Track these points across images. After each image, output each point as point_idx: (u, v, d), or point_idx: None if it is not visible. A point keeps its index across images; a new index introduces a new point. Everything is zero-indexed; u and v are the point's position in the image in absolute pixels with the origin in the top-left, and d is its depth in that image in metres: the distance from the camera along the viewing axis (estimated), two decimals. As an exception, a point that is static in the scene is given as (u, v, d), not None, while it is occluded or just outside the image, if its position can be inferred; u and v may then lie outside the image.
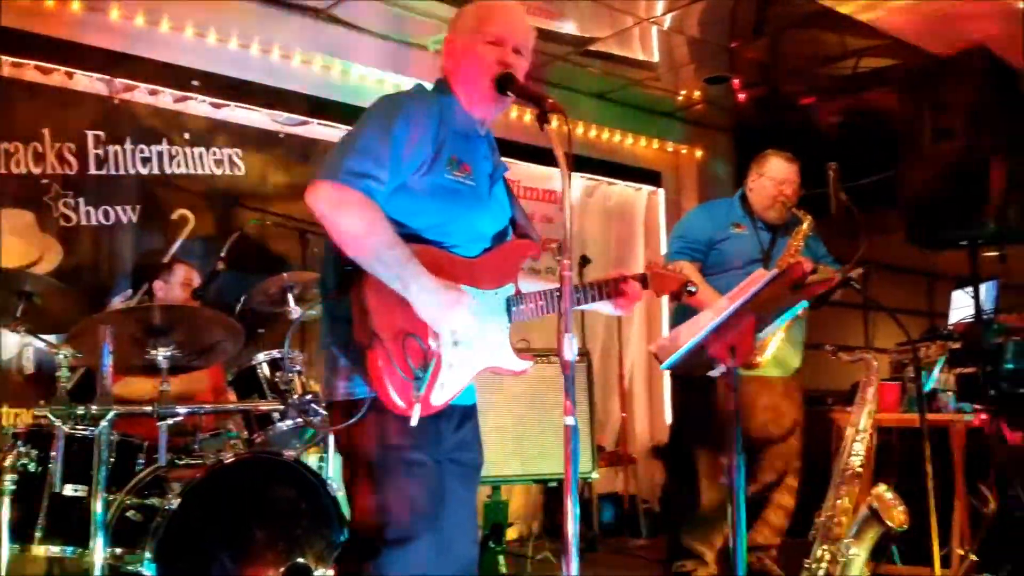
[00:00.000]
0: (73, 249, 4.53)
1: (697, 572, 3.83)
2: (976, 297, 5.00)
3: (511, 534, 5.26)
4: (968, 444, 4.30)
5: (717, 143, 7.57)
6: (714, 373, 2.53)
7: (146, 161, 4.80)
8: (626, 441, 6.37)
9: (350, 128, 2.19)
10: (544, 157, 5.99)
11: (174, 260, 4.50)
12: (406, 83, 5.32)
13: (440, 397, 2.09)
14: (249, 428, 3.54)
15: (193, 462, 3.30)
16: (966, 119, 5.04)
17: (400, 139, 2.08)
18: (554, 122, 2.05)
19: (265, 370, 3.58)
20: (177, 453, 3.37)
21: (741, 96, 6.78)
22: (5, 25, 4.32)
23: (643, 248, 7.12)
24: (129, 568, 2.92)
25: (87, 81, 4.69)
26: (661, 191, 7.32)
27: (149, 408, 3.12)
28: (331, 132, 5.35)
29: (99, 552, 2.86)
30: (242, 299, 3.99)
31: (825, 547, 3.16)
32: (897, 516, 3.04)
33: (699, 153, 7.50)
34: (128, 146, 4.75)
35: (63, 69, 4.61)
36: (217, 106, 5.08)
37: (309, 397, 3.37)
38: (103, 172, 4.65)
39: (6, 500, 2.95)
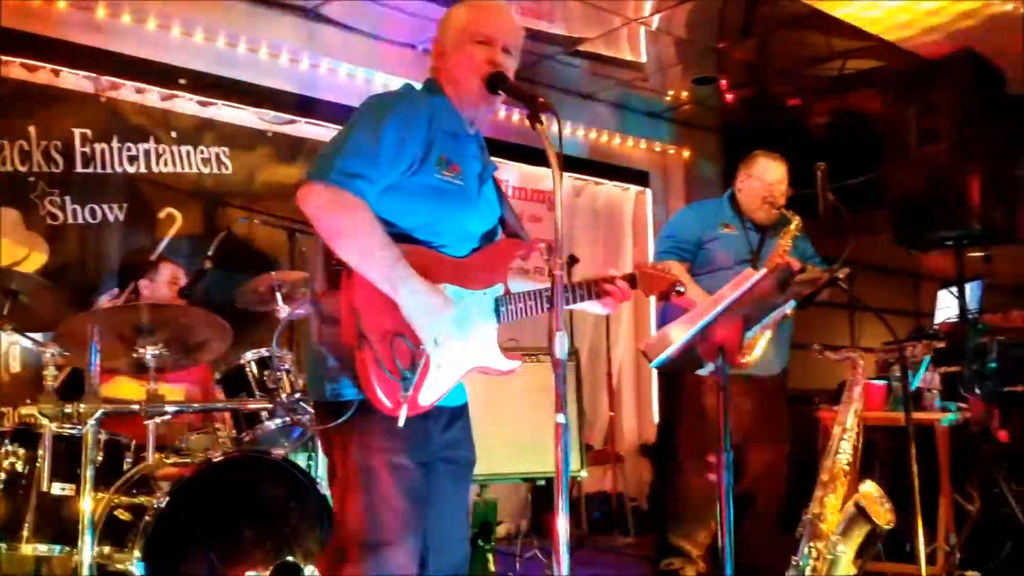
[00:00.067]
0: (59, 247, 4.51)
1: (685, 570, 3.85)
2: (961, 297, 5.05)
3: (499, 532, 5.26)
4: (953, 443, 4.33)
5: (705, 143, 7.60)
6: (702, 372, 2.54)
7: (133, 159, 4.79)
8: (614, 440, 6.38)
9: (337, 127, 2.19)
10: (533, 157, 6.02)
11: (160, 259, 4.49)
12: (394, 82, 5.35)
13: (428, 398, 2.09)
14: (238, 427, 3.53)
15: (181, 461, 3.28)
16: (952, 121, 5.08)
17: (390, 139, 2.08)
18: (547, 123, 2.05)
19: (253, 369, 3.57)
20: (165, 452, 3.36)
21: (729, 97, 6.81)
22: (-9, 23, 4.31)
23: (631, 248, 7.15)
24: (118, 567, 2.91)
25: (73, 79, 4.67)
26: (649, 191, 7.34)
27: (137, 406, 3.11)
28: (318, 131, 5.35)
29: (87, 551, 2.85)
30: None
31: (812, 544, 3.18)
32: (884, 514, 3.07)
33: (687, 153, 7.53)
34: (115, 144, 4.73)
35: (49, 67, 4.58)
36: (204, 104, 5.07)
37: (298, 396, 3.37)
38: (90, 170, 4.63)
39: (-7, 499, 2.94)
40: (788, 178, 3.98)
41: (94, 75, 4.70)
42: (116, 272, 4.65)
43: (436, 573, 2.16)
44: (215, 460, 3.12)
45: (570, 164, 6.61)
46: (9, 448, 3.07)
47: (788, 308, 3.32)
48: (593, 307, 2.44)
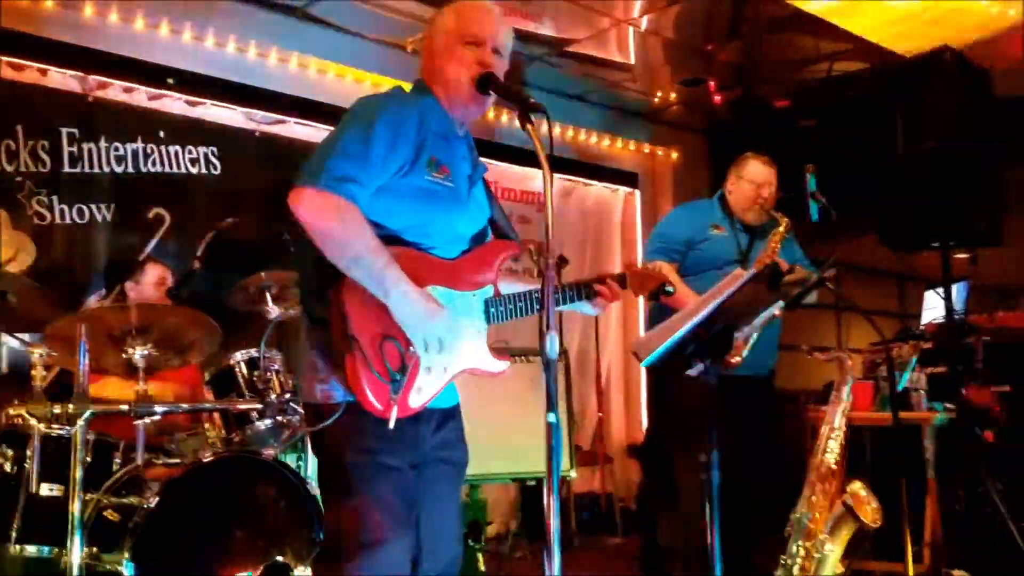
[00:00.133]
0: (47, 248, 4.49)
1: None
2: (947, 298, 5.08)
3: (489, 532, 5.27)
4: (939, 442, 4.37)
5: (693, 145, 7.62)
6: (692, 372, 2.55)
7: (121, 159, 4.77)
8: (602, 441, 6.40)
9: (327, 127, 2.20)
10: (522, 157, 6.04)
11: (146, 260, 4.47)
12: (383, 83, 5.35)
13: (418, 400, 2.09)
14: (227, 427, 3.52)
15: (171, 461, 3.28)
16: (938, 122, 5.11)
17: (381, 142, 2.08)
18: (537, 124, 2.05)
19: (243, 369, 3.56)
20: (154, 452, 3.35)
21: (717, 98, 6.84)
22: (-22, 22, 4.29)
23: (619, 249, 7.16)
24: (107, 567, 2.90)
25: (61, 78, 4.65)
26: (637, 192, 7.36)
27: (126, 407, 3.10)
28: (308, 131, 5.34)
29: (76, 552, 2.83)
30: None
31: (800, 543, 3.19)
32: (871, 513, 3.09)
33: (675, 155, 7.55)
34: (102, 144, 4.71)
35: (36, 66, 4.56)
36: (192, 104, 5.05)
37: (287, 397, 3.37)
38: (77, 170, 4.62)
39: (-19, 500, 2.93)
40: (777, 180, 4.00)
41: (81, 74, 4.69)
42: (103, 273, 4.63)
43: (429, 573, 2.17)
44: (205, 461, 3.11)
45: (559, 165, 6.62)
46: (-3, 448, 3.06)
47: (776, 309, 3.34)
48: (583, 308, 2.45)
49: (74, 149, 4.61)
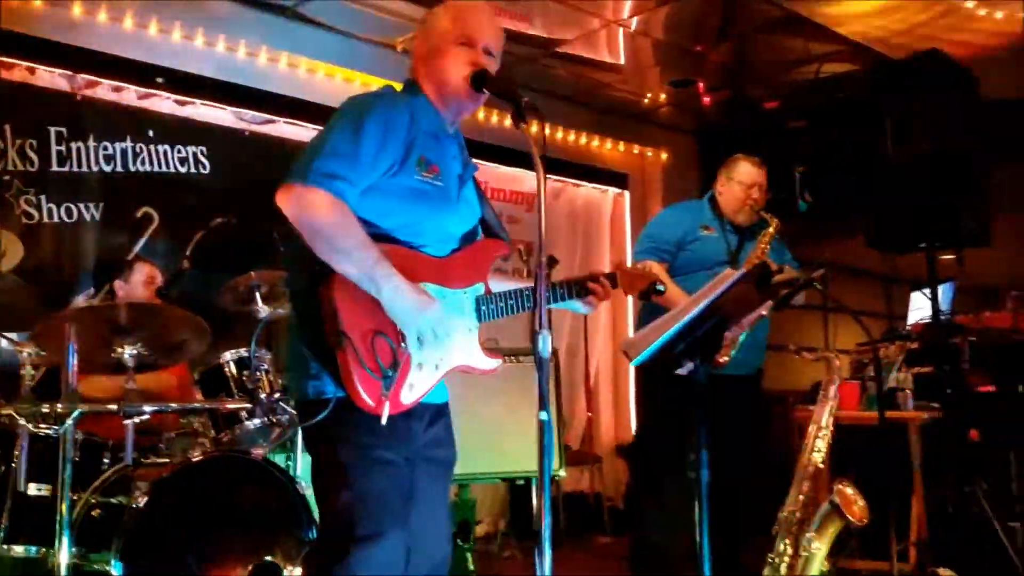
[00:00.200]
0: (35, 247, 4.47)
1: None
2: (934, 299, 5.11)
3: (478, 532, 5.27)
4: (925, 441, 4.40)
5: (682, 146, 7.65)
6: (682, 371, 2.56)
7: (109, 158, 4.75)
8: (592, 440, 6.41)
9: (316, 127, 2.20)
10: (512, 158, 6.04)
11: (135, 259, 4.45)
12: (373, 82, 5.35)
13: (409, 396, 2.10)
14: (216, 427, 3.51)
15: (160, 461, 3.27)
16: (926, 124, 5.14)
17: (370, 140, 2.08)
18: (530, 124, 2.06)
19: (232, 369, 3.55)
20: (143, 452, 3.34)
21: (706, 99, 6.86)
22: (-35, 20, 4.27)
23: (609, 250, 7.17)
24: (95, 567, 2.90)
25: (49, 77, 4.64)
26: (627, 193, 7.37)
27: (115, 406, 3.09)
28: (297, 131, 5.34)
29: (64, 552, 2.82)
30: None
31: (788, 541, 3.21)
32: (858, 511, 3.11)
33: (664, 156, 7.57)
34: (91, 143, 4.69)
35: (25, 64, 4.55)
36: (182, 103, 5.04)
37: (277, 396, 3.37)
38: (65, 169, 4.60)
39: (-32, 501, 2.92)
40: (767, 181, 4.03)
41: (70, 73, 4.67)
42: (92, 272, 4.62)
43: (418, 572, 2.17)
44: (194, 460, 3.11)
45: (549, 166, 6.58)
46: (-16, 448, 3.05)
47: (765, 309, 3.36)
48: (574, 306, 2.46)
49: (62, 148, 4.59)
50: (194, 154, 5.03)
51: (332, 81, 5.62)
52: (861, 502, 3.14)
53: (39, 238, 4.49)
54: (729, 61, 6.36)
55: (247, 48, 5.28)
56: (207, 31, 5.12)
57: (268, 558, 3.09)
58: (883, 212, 5.28)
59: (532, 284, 2.27)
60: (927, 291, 5.21)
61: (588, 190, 7.15)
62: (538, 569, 1.83)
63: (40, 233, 4.50)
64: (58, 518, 2.84)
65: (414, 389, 2.10)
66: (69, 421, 2.89)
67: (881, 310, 8.89)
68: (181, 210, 4.91)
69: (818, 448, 3.38)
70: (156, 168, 4.91)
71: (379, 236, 2.09)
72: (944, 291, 5.36)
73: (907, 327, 5.48)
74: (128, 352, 3.20)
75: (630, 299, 6.72)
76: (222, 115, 5.19)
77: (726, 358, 3.69)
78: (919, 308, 5.64)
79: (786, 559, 3.20)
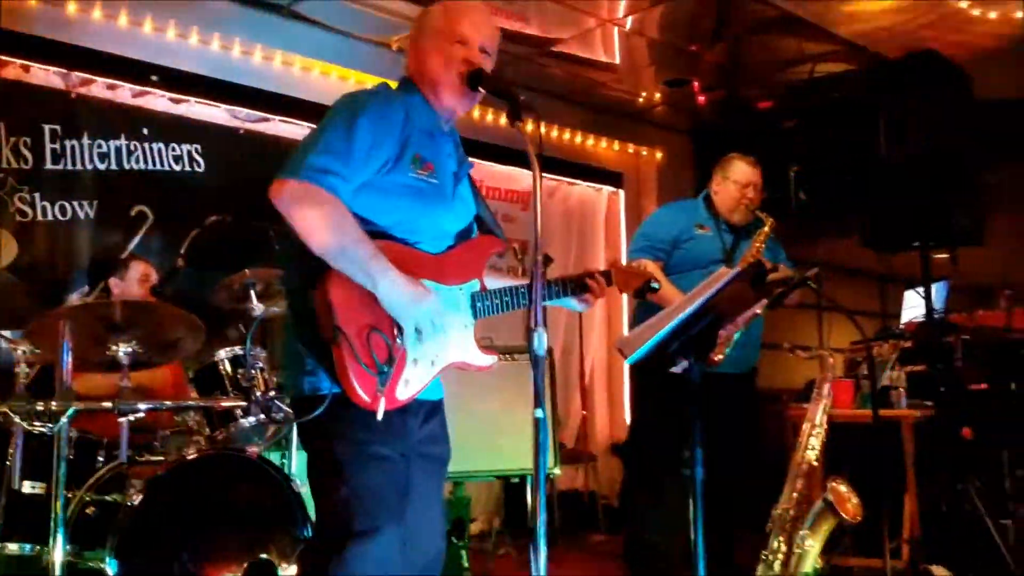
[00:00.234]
0: (29, 244, 4.46)
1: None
2: (927, 297, 5.13)
3: (472, 530, 5.28)
4: (918, 439, 4.41)
5: (677, 145, 7.66)
6: (676, 369, 2.57)
7: (104, 156, 4.74)
8: (586, 439, 6.42)
9: (311, 125, 2.20)
10: (507, 156, 6.05)
11: (131, 257, 4.45)
12: (368, 81, 5.35)
13: (405, 392, 2.10)
14: (211, 425, 3.51)
15: (154, 459, 3.27)
16: (920, 124, 5.16)
17: (364, 136, 2.08)
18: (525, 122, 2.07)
19: (227, 367, 3.55)
20: (137, 450, 3.34)
21: (701, 99, 6.87)
22: (-40, 18, 4.26)
23: (603, 248, 7.18)
24: (90, 565, 2.89)
25: (44, 75, 4.63)
26: (622, 192, 7.38)
27: (110, 404, 3.09)
28: (292, 129, 5.33)
29: (59, 550, 2.82)
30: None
31: (782, 538, 3.23)
32: (851, 508, 3.12)
33: (659, 155, 7.58)
34: (85, 141, 4.68)
35: (19, 62, 4.54)
36: (176, 101, 5.03)
37: (272, 394, 3.37)
38: (60, 167, 4.59)
39: (-37, 498, 2.91)
40: (761, 181, 4.04)
41: (64, 71, 4.66)
42: (86, 270, 4.61)
43: (411, 568, 2.17)
44: (189, 458, 3.11)
45: (544, 164, 6.60)
46: (-21, 446, 3.04)
47: (759, 307, 3.37)
48: (569, 304, 2.47)
49: (57, 146, 4.58)
50: (189, 152, 5.03)
51: (327, 80, 5.62)
52: (854, 500, 3.16)
53: (33, 236, 4.48)
54: (724, 61, 6.37)
55: (242, 46, 5.28)
56: (202, 29, 5.11)
57: (263, 556, 3.09)
58: (877, 211, 5.30)
59: (527, 281, 2.28)
60: (921, 290, 5.24)
61: (583, 189, 7.16)
62: (533, 567, 1.84)
63: (34, 231, 4.49)
64: (52, 516, 2.84)
65: (410, 385, 2.11)
66: (64, 419, 2.89)
67: (875, 309, 8.91)
68: (176, 208, 4.90)
69: (812, 446, 3.40)
70: (151, 166, 4.90)
71: (375, 233, 2.09)
72: (938, 290, 5.39)
73: (901, 326, 5.50)
74: (123, 350, 3.21)
75: (625, 298, 6.73)
76: (217, 113, 5.18)
77: (721, 356, 3.70)
78: (913, 307, 5.66)
79: (780, 556, 3.21)
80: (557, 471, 4.32)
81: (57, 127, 4.59)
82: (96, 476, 3.11)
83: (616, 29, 5.85)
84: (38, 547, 2.96)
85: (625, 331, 6.62)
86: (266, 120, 5.34)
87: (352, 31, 5.65)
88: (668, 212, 4.24)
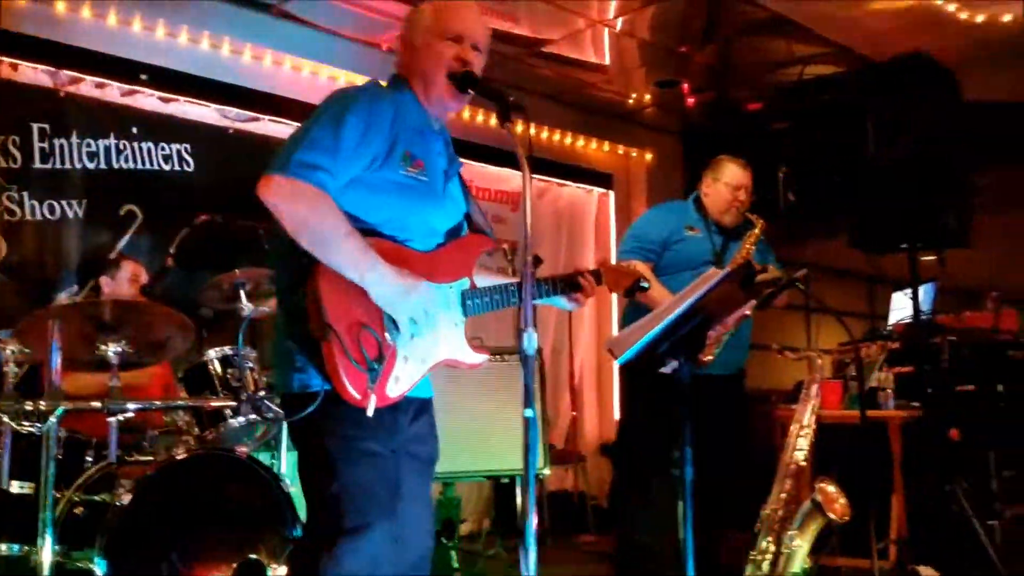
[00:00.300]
0: (17, 244, 4.45)
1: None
2: (915, 299, 5.16)
3: (462, 530, 5.28)
4: (906, 440, 4.44)
5: (667, 146, 7.67)
6: (665, 370, 2.58)
7: (93, 155, 4.73)
8: (576, 439, 6.43)
9: (300, 124, 2.19)
10: (497, 157, 6.05)
11: (121, 256, 4.44)
12: (358, 80, 5.33)
13: (395, 390, 2.10)
14: (201, 425, 3.51)
15: (144, 459, 3.26)
16: (908, 126, 5.19)
17: (352, 132, 2.08)
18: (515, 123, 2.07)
19: (217, 367, 3.55)
20: (127, 450, 3.33)
21: (690, 100, 6.89)
22: (-52, 16, 4.24)
23: (593, 249, 7.19)
24: (78, 565, 2.88)
25: (32, 73, 4.61)
26: (611, 193, 7.40)
27: (99, 404, 3.08)
28: (281, 128, 5.32)
29: (47, 550, 2.81)
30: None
31: (770, 539, 3.24)
32: (839, 509, 3.14)
33: (649, 156, 7.59)
34: (74, 140, 4.67)
35: (7, 60, 4.52)
36: (166, 100, 5.02)
37: (262, 393, 3.37)
38: (48, 166, 4.57)
39: (-50, 498, 2.90)
40: (752, 183, 4.06)
41: (53, 69, 4.64)
42: (76, 269, 4.59)
43: (400, 567, 2.17)
44: (178, 458, 3.10)
45: (533, 165, 6.60)
46: (-33, 446, 3.03)
47: (748, 308, 3.38)
48: (558, 303, 2.48)
49: (45, 145, 4.56)
50: (178, 151, 5.02)
51: (316, 79, 5.61)
52: (842, 500, 3.17)
53: (22, 235, 4.46)
54: (714, 62, 6.40)
55: (231, 45, 5.27)
56: (191, 28, 5.11)
57: (252, 556, 3.09)
58: (866, 213, 5.32)
59: (517, 280, 2.29)
60: (908, 291, 5.26)
61: (573, 190, 7.17)
62: (522, 568, 1.84)
63: (23, 230, 4.47)
64: (41, 516, 2.83)
65: (400, 382, 2.11)
66: (52, 418, 2.88)
67: (863, 310, 8.95)
68: (165, 208, 4.89)
69: (800, 447, 3.41)
70: (140, 165, 4.88)
71: (365, 231, 2.09)
72: (925, 291, 5.41)
73: (888, 327, 5.52)
74: (112, 349, 3.19)
75: (615, 299, 6.75)
76: (206, 112, 5.17)
77: (710, 357, 3.72)
78: (900, 308, 5.68)
79: (768, 556, 3.23)
80: (547, 471, 4.33)
81: (46, 126, 4.57)
82: (85, 476, 3.10)
83: (606, 30, 5.86)
84: (26, 547, 2.95)
85: (615, 332, 6.63)
86: (256, 119, 5.34)
87: (342, 31, 5.64)
88: (658, 213, 4.25)
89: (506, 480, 4.79)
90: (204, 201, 4.88)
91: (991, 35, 5.61)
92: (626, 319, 3.98)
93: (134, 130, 4.87)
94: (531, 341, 1.86)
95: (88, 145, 4.71)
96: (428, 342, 2.17)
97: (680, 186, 6.99)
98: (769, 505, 3.33)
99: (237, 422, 3.47)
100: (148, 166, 4.91)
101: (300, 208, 2.01)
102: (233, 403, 3.41)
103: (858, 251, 5.91)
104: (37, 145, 4.54)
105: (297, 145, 2.06)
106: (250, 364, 3.46)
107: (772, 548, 3.23)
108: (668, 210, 4.21)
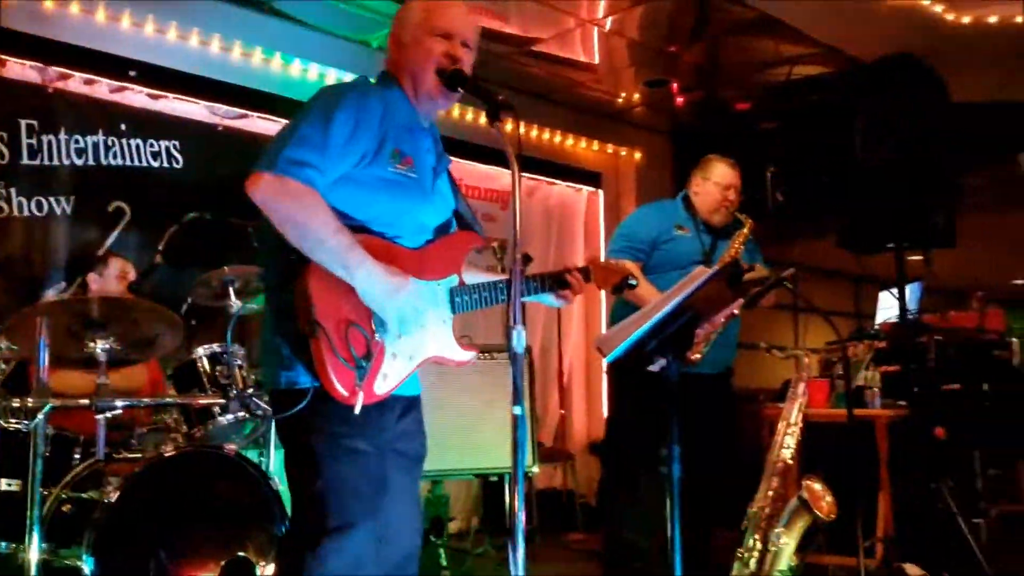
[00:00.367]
0: (5, 240, 4.42)
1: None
2: (901, 298, 5.19)
3: (451, 528, 5.29)
4: (892, 439, 4.46)
5: (656, 145, 7.69)
6: (653, 368, 2.59)
7: (81, 152, 4.71)
8: (564, 438, 6.44)
9: (289, 121, 2.19)
10: (487, 156, 6.06)
11: (108, 253, 4.42)
12: (347, 78, 5.33)
13: (383, 387, 2.11)
14: (189, 422, 3.50)
15: (132, 456, 3.25)
16: (895, 126, 5.21)
17: (340, 128, 2.08)
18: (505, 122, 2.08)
19: (205, 364, 3.54)
20: (114, 447, 3.32)
21: (679, 100, 6.91)
22: (-66, 11, 4.21)
23: (582, 248, 7.21)
24: (66, 563, 2.88)
25: (20, 69, 4.58)
26: (601, 192, 7.41)
27: (87, 401, 3.07)
28: (270, 126, 5.31)
29: (34, 547, 2.80)
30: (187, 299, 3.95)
31: (757, 536, 3.25)
32: (826, 507, 3.15)
33: (638, 155, 7.61)
34: (62, 136, 4.64)
35: (-5, 56, 4.50)
36: (155, 97, 5.00)
37: (250, 391, 3.36)
38: (36, 162, 4.55)
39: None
40: (741, 183, 4.07)
41: (41, 65, 4.62)
42: (63, 266, 4.57)
43: (387, 564, 2.18)
44: (166, 455, 3.10)
45: (523, 164, 6.59)
46: (-47, 443, 3.02)
47: (736, 307, 3.40)
48: (547, 300, 2.48)
49: (33, 141, 4.54)
50: (167, 148, 5.00)
51: (306, 76, 5.60)
52: (829, 498, 3.19)
53: (9, 232, 4.44)
54: (702, 62, 6.42)
55: (221, 42, 5.26)
56: (180, 24, 5.09)
57: (240, 554, 3.09)
58: (853, 213, 5.34)
59: (506, 276, 2.30)
60: (895, 291, 5.29)
61: (562, 188, 7.18)
62: (511, 566, 1.85)
63: (10, 227, 4.44)
64: (28, 513, 2.82)
65: (388, 379, 2.11)
66: (40, 416, 2.87)
67: (850, 309, 9.00)
68: (153, 204, 4.86)
69: (787, 445, 3.43)
70: (128, 162, 4.86)
71: (353, 227, 2.09)
72: (912, 291, 5.44)
73: (875, 326, 5.56)
74: (100, 347, 3.18)
75: (603, 299, 6.76)
76: (195, 109, 5.15)
77: (698, 355, 3.74)
78: (887, 307, 5.72)
79: (755, 554, 3.24)
80: (535, 469, 4.34)
81: (34, 122, 4.55)
82: (72, 473, 3.09)
83: (596, 29, 5.87)
84: (13, 545, 2.94)
85: (604, 330, 6.64)
86: (245, 117, 5.32)
87: (332, 28, 5.64)
88: (647, 212, 4.26)
89: (495, 478, 4.80)
90: (193, 198, 4.86)
91: (978, 36, 5.65)
92: (614, 317, 3.99)
93: (123, 127, 4.85)
94: (520, 339, 1.86)
95: (76, 141, 4.69)
96: (416, 339, 2.17)
97: (669, 185, 7.01)
98: (756, 503, 3.34)
99: (226, 419, 3.46)
100: (137, 163, 4.89)
101: (288, 205, 2.01)
102: (222, 400, 3.40)
103: (845, 251, 5.94)
104: (25, 141, 4.51)
105: (285, 142, 2.06)
106: (239, 361, 3.46)
107: (759, 546, 3.24)
108: (657, 209, 4.22)
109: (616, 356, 2.43)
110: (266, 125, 5.33)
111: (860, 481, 4.03)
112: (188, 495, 3.07)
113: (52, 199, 4.58)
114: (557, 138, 7.07)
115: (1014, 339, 5.26)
